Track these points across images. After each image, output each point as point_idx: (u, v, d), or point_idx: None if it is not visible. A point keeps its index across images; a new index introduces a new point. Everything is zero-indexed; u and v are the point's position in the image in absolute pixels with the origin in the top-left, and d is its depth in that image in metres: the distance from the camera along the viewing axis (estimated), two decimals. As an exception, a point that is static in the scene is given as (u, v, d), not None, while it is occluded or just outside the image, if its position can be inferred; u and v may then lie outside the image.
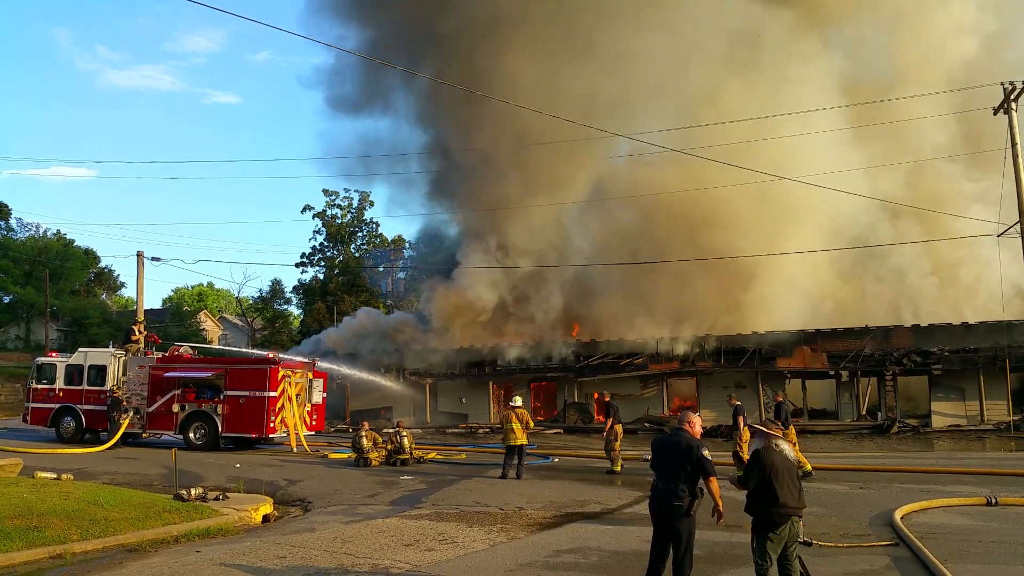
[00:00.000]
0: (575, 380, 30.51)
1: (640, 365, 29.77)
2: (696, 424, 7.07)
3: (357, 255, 62.56)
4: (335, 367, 28.69)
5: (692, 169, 27.35)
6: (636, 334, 30.51)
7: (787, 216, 29.24)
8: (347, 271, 58.06)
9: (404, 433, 18.00)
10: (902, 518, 10.61)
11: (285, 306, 62.44)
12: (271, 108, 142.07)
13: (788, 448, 6.61)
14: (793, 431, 15.95)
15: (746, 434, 14.80)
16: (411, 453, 17.96)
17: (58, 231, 62.16)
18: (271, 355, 21.71)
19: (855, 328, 28.31)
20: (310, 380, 22.21)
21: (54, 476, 13.50)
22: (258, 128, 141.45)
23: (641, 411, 29.54)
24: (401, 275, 61.44)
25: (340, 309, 54.13)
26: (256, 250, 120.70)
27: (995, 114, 20.98)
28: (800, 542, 6.57)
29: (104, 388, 21.65)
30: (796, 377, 28.70)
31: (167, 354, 22.75)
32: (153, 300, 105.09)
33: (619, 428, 16.61)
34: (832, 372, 28.23)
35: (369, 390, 31.98)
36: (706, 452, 6.78)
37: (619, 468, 16.26)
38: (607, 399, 17.55)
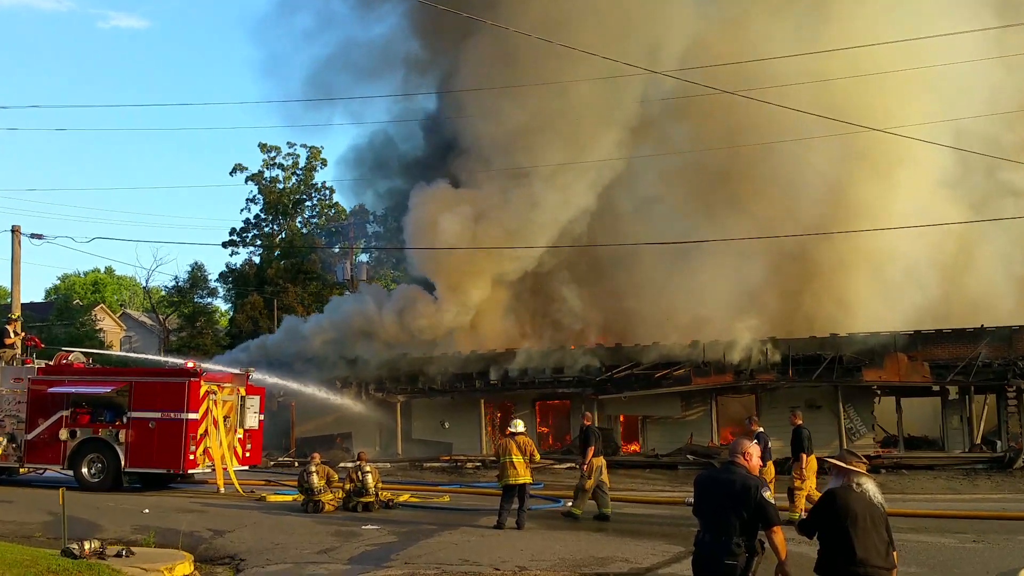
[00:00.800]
0: (594, 398, 30.63)
1: (681, 378, 29.88)
2: (755, 456, 7.10)
3: (305, 231, 62.61)
4: (276, 380, 28.76)
5: (750, 116, 27.33)
6: (677, 336, 30.56)
7: (880, 180, 29.30)
8: (292, 252, 58.13)
9: (368, 468, 18.11)
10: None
11: (209, 299, 62.60)
12: (190, 35, 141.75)
13: (875, 489, 6.64)
14: (771, 468, 16.32)
15: (770, 471, 15.57)
16: (377, 495, 18.04)
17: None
18: (191, 364, 21.77)
19: (967, 329, 28.42)
20: (243, 398, 22.27)
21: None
22: (172, 62, 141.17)
23: (682, 439, 29.63)
24: (363, 258, 61.59)
25: (283, 303, 54.20)
26: (170, 225, 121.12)
27: None
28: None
29: (-35, 409, 21.70)
30: (889, 394, 28.83)
31: (52, 363, 22.78)
32: (33, 291, 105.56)
33: (599, 461, 16.86)
34: (936, 387, 28.31)
35: (322, 411, 32.12)
36: (768, 494, 6.81)
37: (580, 512, 16.61)
38: (586, 423, 17.82)
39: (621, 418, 31.74)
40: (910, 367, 27.98)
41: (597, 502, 16.82)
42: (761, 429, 16.75)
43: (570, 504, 17.16)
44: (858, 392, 28.46)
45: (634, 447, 31.19)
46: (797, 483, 16.25)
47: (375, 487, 18.03)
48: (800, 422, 17.12)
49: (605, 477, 17.07)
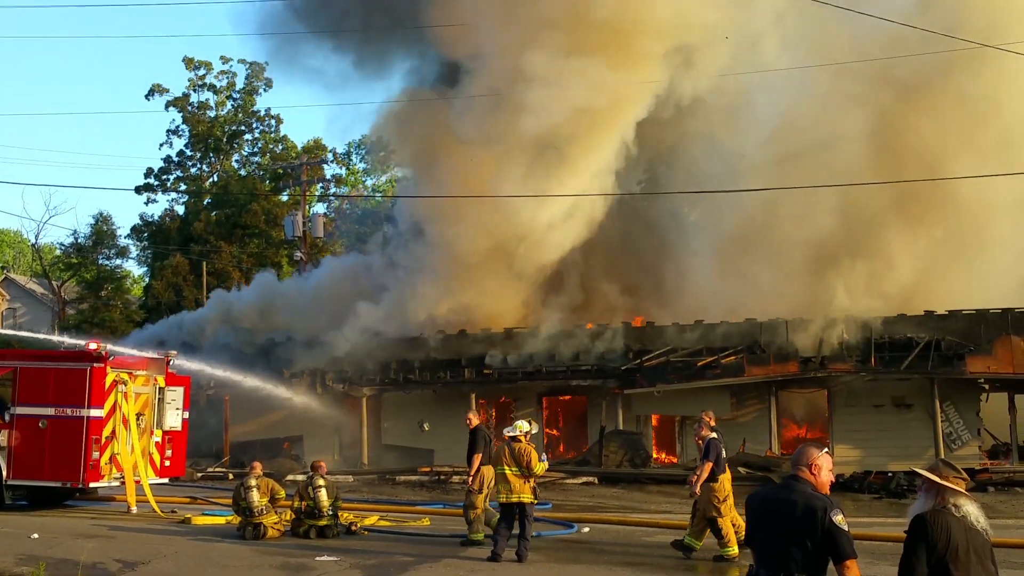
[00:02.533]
0: (619, 392, 30.75)
1: (731, 367, 30.00)
2: (824, 469, 7.12)
3: (243, 172, 62.50)
4: (205, 368, 28.82)
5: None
6: (726, 314, 30.63)
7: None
8: (226, 200, 58.08)
9: (322, 483, 18.16)
10: None
11: (118, 260, 62.61)
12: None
13: (978, 512, 6.66)
14: (727, 480, 16.32)
15: (724, 488, 15.92)
16: (335, 516, 18.11)
17: None
18: (94, 346, 21.79)
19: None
20: (161, 390, 22.34)
21: None
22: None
23: (733, 446, 29.70)
24: (320, 208, 61.51)
25: (214, 266, 54.27)
26: (69, 164, 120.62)
27: None
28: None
29: None
30: (999, 389, 28.94)
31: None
32: None
33: (488, 471, 17.05)
34: (1062, 382, 28.36)
35: (265, 408, 32.25)
36: (840, 519, 6.84)
37: (481, 536, 16.80)
38: (472, 423, 18.10)
39: (654, 419, 31.82)
40: (1027, 355, 28.03)
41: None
42: (715, 435, 16.64)
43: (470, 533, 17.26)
44: (960, 386, 28.51)
45: (670, 457, 31.37)
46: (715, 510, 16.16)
47: (332, 506, 18.09)
48: (712, 434, 16.87)
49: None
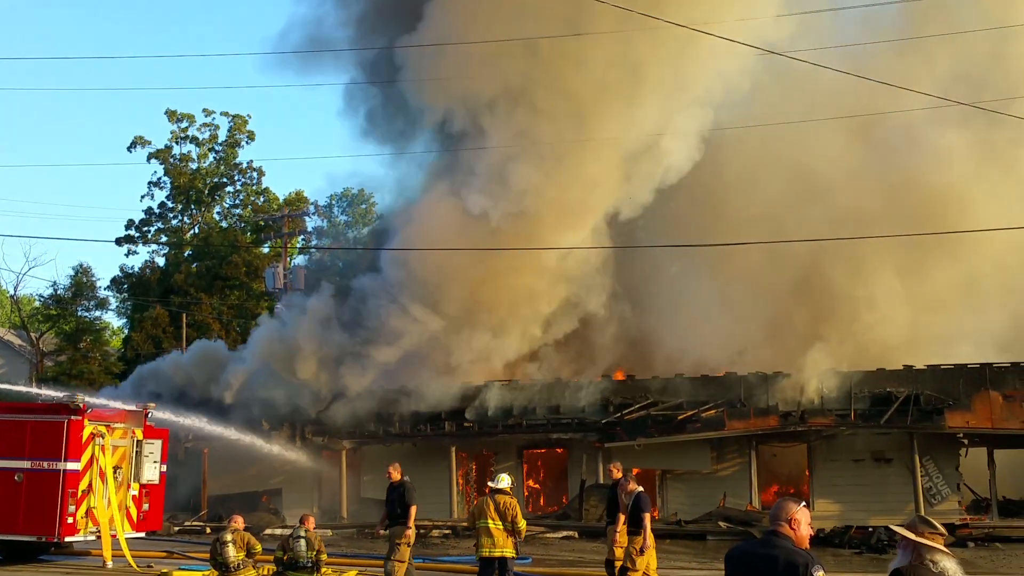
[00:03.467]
0: (599, 446, 30.70)
1: (712, 421, 30.02)
2: (803, 523, 7.12)
3: (225, 224, 62.54)
4: (184, 420, 28.66)
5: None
6: (703, 365, 30.62)
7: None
8: (207, 252, 58.05)
9: (303, 534, 17.91)
10: None
11: (98, 312, 62.29)
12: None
13: (956, 568, 6.68)
14: (650, 539, 16.51)
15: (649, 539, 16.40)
16: (315, 569, 17.91)
17: None
18: (72, 399, 21.67)
19: (1081, 361, 28.66)
20: (139, 443, 22.19)
21: None
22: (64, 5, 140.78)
23: (713, 501, 29.75)
24: (300, 260, 61.44)
25: (193, 318, 54.12)
26: (49, 215, 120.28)
27: None
28: None
29: None
30: (979, 443, 28.98)
31: None
32: None
33: (411, 533, 17.45)
34: (1041, 436, 28.47)
35: (243, 461, 32.05)
36: (821, 574, 6.84)
37: None
38: (394, 476, 18.30)
39: (634, 472, 31.68)
40: (1006, 409, 28.14)
41: None
42: (640, 488, 17.11)
43: None
44: (939, 441, 28.56)
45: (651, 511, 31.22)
46: (631, 561, 16.50)
47: (313, 558, 17.88)
48: (638, 487, 17.32)
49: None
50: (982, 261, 30.40)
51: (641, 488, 17.12)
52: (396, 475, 18.43)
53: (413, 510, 17.47)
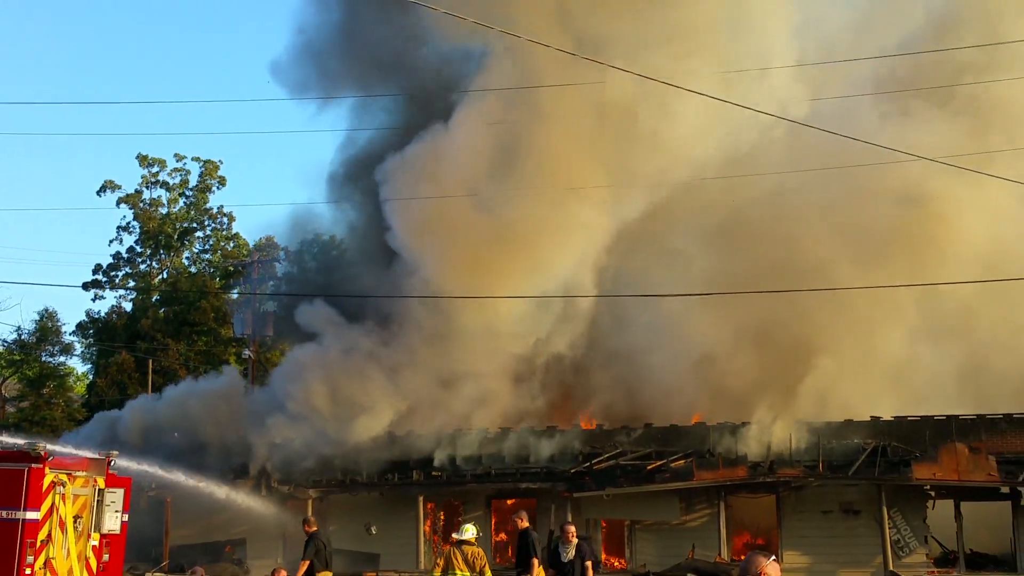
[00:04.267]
0: (568, 496, 30.60)
1: (681, 471, 29.99)
2: (773, 577, 7.10)
3: (194, 269, 62.24)
4: (146, 468, 28.34)
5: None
6: (673, 416, 30.66)
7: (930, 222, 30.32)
8: (175, 297, 57.71)
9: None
10: None
11: (63, 357, 61.70)
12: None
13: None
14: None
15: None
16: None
17: None
18: (33, 446, 21.34)
19: (1044, 414, 28.88)
20: (100, 491, 21.82)
21: None
22: (22, 36, 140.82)
23: (682, 552, 29.65)
24: (271, 306, 61.12)
25: (160, 364, 53.69)
26: (15, 259, 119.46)
27: None
28: None
29: None
30: (945, 496, 29.02)
31: None
32: None
33: None
34: (1006, 488, 28.56)
35: (207, 510, 31.65)
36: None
37: None
38: (308, 529, 18.45)
39: (603, 523, 31.63)
40: (972, 461, 28.23)
41: None
42: (529, 526, 17.40)
43: None
44: (906, 493, 28.61)
45: (620, 561, 31.11)
46: None
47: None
48: (527, 524, 17.94)
49: None
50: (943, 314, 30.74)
51: (529, 527, 17.58)
52: (522, 523, 18.50)
53: (534, 563, 17.47)
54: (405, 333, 32.84)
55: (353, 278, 38.12)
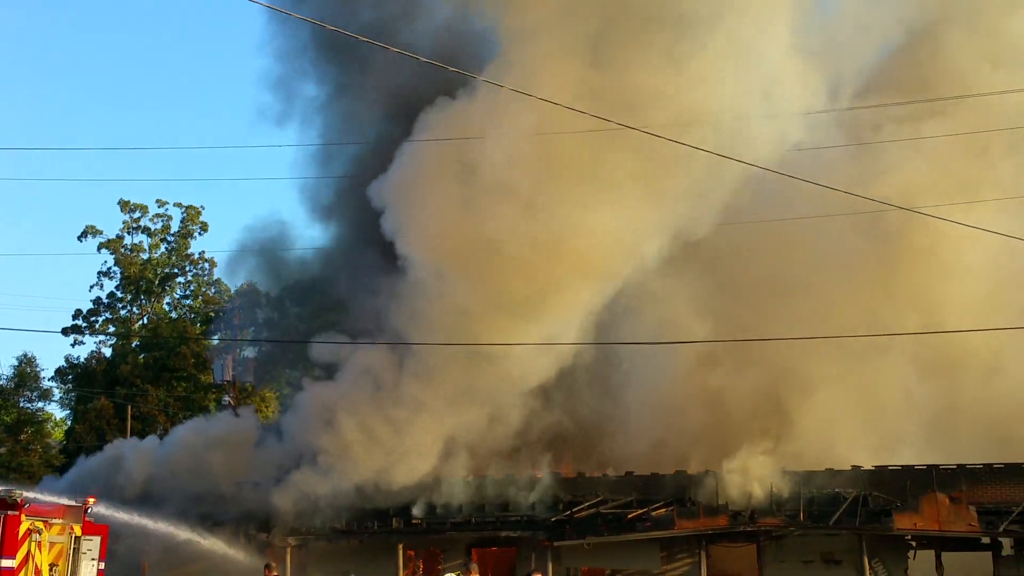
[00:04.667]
0: (548, 544, 30.44)
1: (662, 520, 29.89)
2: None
3: (174, 315, 62.05)
4: (123, 516, 28.11)
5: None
6: (655, 465, 30.61)
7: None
8: (155, 343, 57.48)
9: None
10: None
11: (41, 403, 61.33)
12: (28, 34, 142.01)
13: None
14: None
15: None
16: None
17: None
18: (9, 493, 21.19)
19: (1023, 465, 28.94)
20: (77, 539, 21.63)
21: None
22: (3, 82, 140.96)
23: (662, 602, 29.49)
24: (250, 353, 60.99)
25: (139, 410, 53.38)
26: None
27: None
28: None
29: None
30: (927, 546, 28.97)
31: None
32: None
33: None
34: (986, 539, 28.58)
35: (186, 559, 31.35)
36: None
37: None
38: (270, 574, 18.38)
39: (583, 570, 31.48)
40: (952, 511, 28.21)
41: None
42: None
43: None
44: (888, 543, 28.57)
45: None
46: None
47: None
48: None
49: None
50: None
51: None
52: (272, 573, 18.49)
53: None
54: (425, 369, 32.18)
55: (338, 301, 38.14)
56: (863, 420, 31.51)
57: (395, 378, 32.41)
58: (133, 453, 37.01)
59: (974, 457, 29.99)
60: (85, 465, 38.03)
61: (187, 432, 37.34)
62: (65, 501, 23.23)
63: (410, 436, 31.82)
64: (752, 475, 29.88)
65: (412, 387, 32.00)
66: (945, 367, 31.63)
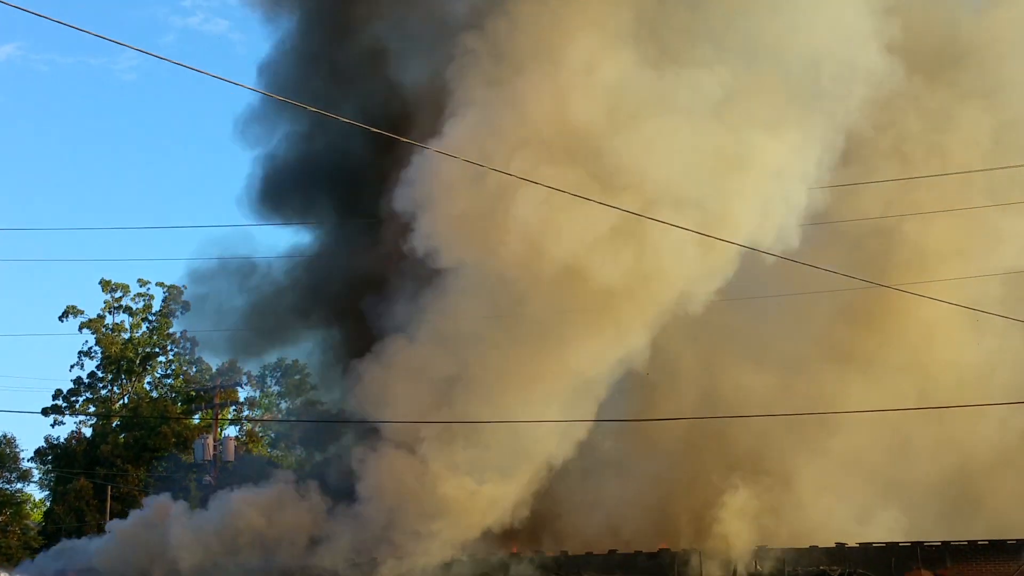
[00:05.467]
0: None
1: (645, 601, 29.61)
2: None
3: (155, 394, 61.75)
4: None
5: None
6: (636, 541, 30.66)
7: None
8: (136, 423, 57.14)
9: None
10: None
11: (20, 484, 60.76)
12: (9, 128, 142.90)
13: None
14: None
15: None
16: None
17: None
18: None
19: (1008, 541, 28.70)
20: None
21: None
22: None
23: None
24: (232, 431, 60.70)
25: (119, 491, 52.89)
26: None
27: None
28: None
29: None
30: (912, 626, 28.78)
31: None
32: None
33: None
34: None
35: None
36: None
37: None
38: None
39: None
40: (937, 589, 28.14)
41: None
42: None
43: None
44: (872, 622, 28.35)
45: None
46: None
47: None
48: None
49: None
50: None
51: None
52: None
53: None
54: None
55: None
56: (845, 496, 31.40)
57: None
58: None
59: (959, 534, 29.90)
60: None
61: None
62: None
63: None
64: (735, 553, 29.68)
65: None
66: (932, 439, 31.68)
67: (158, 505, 35.99)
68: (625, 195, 27.09)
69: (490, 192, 28.34)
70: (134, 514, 38.15)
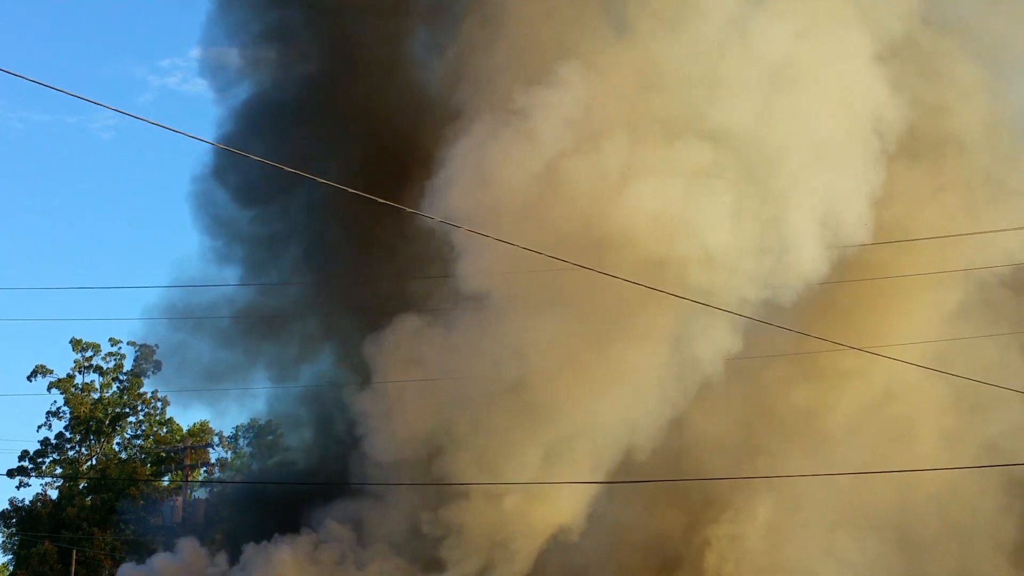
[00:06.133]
0: None
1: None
2: None
3: (124, 455, 61.02)
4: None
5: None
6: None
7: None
8: (104, 484, 56.46)
9: None
10: None
11: (-17, 548, 59.72)
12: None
13: None
14: None
15: None
16: None
17: None
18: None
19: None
20: None
21: None
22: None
23: None
24: (201, 493, 59.89)
25: (84, 554, 52.17)
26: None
27: None
28: None
29: None
30: None
31: None
32: None
33: None
34: None
35: None
36: None
37: None
38: None
39: None
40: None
41: None
42: None
43: None
44: None
45: None
46: None
47: None
48: None
49: None
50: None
51: None
52: None
53: None
54: None
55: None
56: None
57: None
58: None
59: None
60: None
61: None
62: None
63: None
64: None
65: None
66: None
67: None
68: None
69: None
70: None
